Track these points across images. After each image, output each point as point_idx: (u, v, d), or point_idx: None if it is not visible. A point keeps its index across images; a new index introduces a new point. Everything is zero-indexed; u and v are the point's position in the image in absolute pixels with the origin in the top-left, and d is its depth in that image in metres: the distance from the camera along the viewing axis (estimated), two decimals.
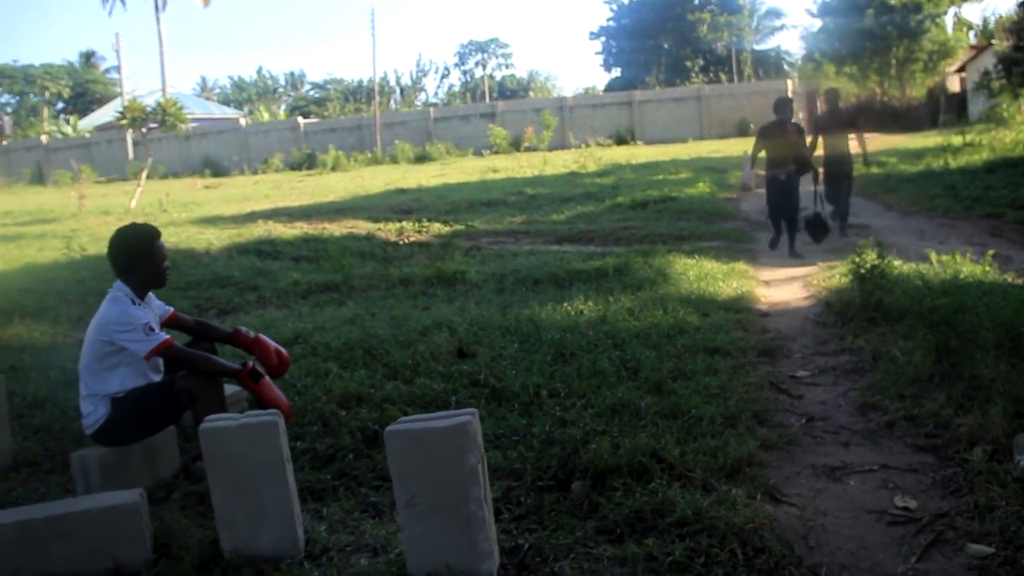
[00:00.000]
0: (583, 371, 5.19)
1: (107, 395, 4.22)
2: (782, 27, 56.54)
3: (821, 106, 14.50)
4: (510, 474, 3.90)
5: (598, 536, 3.29)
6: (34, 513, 3.47)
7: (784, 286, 8.17)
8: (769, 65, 55.88)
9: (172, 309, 4.63)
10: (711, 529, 3.17)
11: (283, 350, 4.73)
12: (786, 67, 55.54)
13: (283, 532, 3.35)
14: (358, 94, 71.30)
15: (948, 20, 44.72)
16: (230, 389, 4.75)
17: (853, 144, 11.96)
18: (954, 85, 43.06)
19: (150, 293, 4.45)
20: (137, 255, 4.30)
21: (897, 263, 7.61)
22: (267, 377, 4.32)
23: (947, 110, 39.60)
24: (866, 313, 6.28)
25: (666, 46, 54.58)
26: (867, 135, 13.23)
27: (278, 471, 3.32)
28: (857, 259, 6.91)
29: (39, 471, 4.70)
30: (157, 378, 4.38)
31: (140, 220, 17.75)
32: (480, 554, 2.99)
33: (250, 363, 4.36)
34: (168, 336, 4.23)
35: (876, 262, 6.77)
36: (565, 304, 7.15)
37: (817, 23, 47.45)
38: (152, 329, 4.17)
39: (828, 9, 45.61)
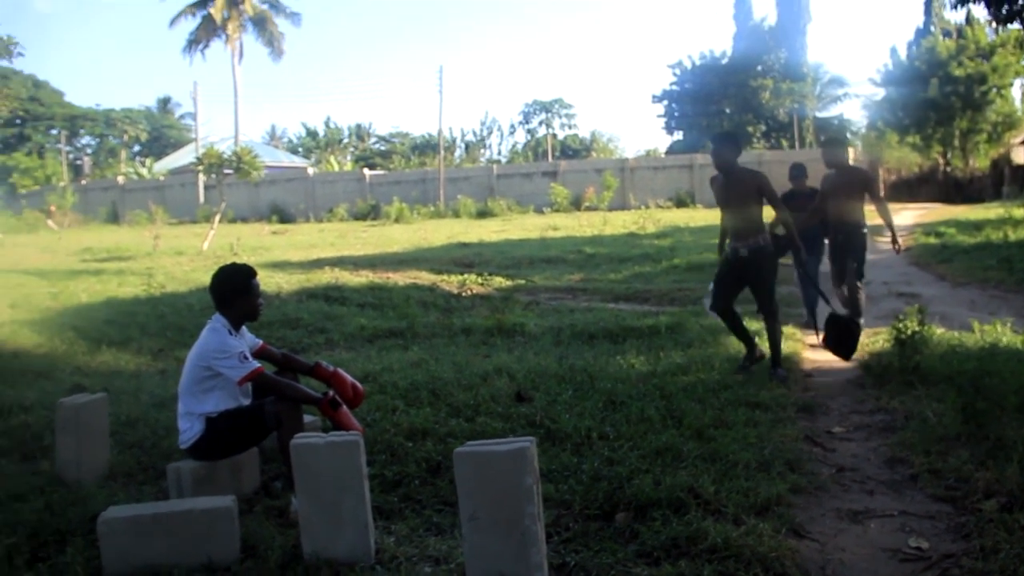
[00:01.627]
0: (631, 418, 5.61)
1: (202, 414, 4.75)
2: (845, 95, 56.71)
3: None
4: (560, 504, 4.32)
5: (637, 559, 3.70)
6: (143, 510, 3.98)
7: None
8: (831, 133, 56.04)
9: (261, 342, 5.17)
10: (738, 556, 3.56)
11: (359, 384, 5.22)
12: (848, 135, 55.65)
13: (358, 540, 3.80)
14: (423, 148, 72.84)
15: (1015, 91, 44.66)
16: (307, 418, 5.25)
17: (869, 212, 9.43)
18: (1019, 157, 42.76)
19: (243, 327, 4.99)
20: (235, 290, 4.86)
21: (940, 330, 7.93)
22: (344, 406, 4.81)
23: (1011, 181, 39.38)
24: (903, 376, 6.62)
25: (728, 111, 55.08)
26: (925, 206, 12.66)
27: (357, 485, 3.79)
28: (899, 325, 7.24)
29: (133, 481, 5.21)
30: (246, 402, 4.89)
31: (211, 262, 18.62)
32: (532, 566, 3.41)
33: (330, 393, 4.86)
34: (259, 365, 4.76)
35: (917, 328, 7.09)
36: (618, 357, 7.59)
37: (880, 92, 47.67)
38: (246, 358, 4.70)
39: (891, 78, 45.81)
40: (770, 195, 7.08)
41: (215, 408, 4.76)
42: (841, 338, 7.44)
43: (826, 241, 9.47)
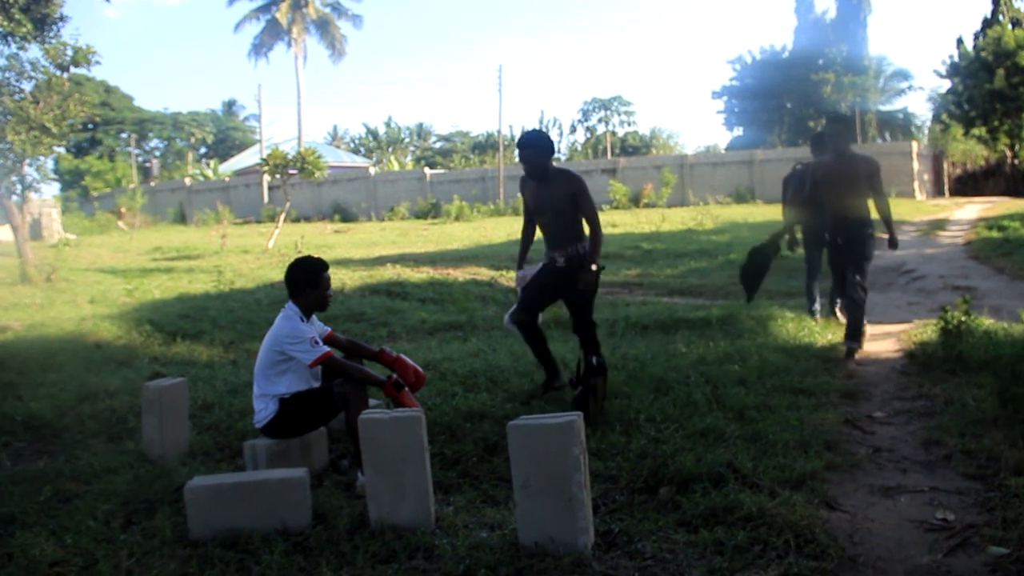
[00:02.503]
0: (678, 401, 5.89)
1: (276, 395, 5.14)
2: (909, 88, 55.85)
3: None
4: (608, 479, 4.63)
5: (677, 527, 3.98)
6: (225, 480, 4.39)
7: (878, 340, 8.63)
8: (895, 126, 55.30)
9: (329, 329, 5.55)
10: (771, 524, 3.83)
11: (420, 369, 5.57)
12: (913, 129, 54.85)
13: (419, 507, 4.15)
14: (483, 147, 73.36)
15: None
16: (371, 401, 5.62)
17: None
18: None
19: (314, 316, 5.37)
20: (307, 281, 5.24)
21: (988, 321, 8.06)
22: (407, 388, 5.17)
23: None
24: (946, 364, 6.80)
25: (789, 106, 54.60)
26: (991, 199, 11.81)
27: (419, 457, 4.14)
28: (946, 316, 7.39)
29: (211, 459, 5.63)
30: (316, 384, 5.27)
31: (276, 260, 19.16)
32: (579, 530, 3.72)
33: (394, 376, 5.23)
34: (329, 349, 5.14)
35: (962, 318, 7.25)
36: (669, 347, 7.86)
37: (945, 84, 46.90)
38: (317, 343, 5.08)
39: (957, 70, 45.00)
40: (585, 206, 6.23)
41: (288, 390, 5.14)
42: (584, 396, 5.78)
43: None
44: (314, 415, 5.15)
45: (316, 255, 5.54)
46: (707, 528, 3.88)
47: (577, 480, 3.70)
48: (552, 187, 6.26)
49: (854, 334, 7.72)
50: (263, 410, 5.16)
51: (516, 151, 6.49)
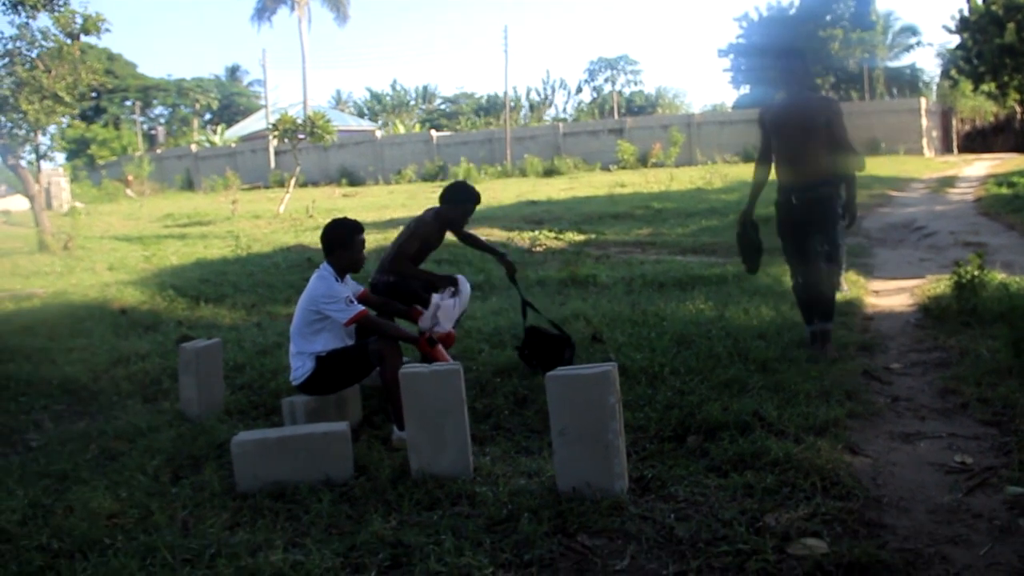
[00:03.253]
0: (700, 354, 6.04)
1: (312, 353, 5.30)
2: (917, 44, 55.41)
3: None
4: (637, 429, 4.79)
5: (708, 472, 4.16)
6: (270, 434, 4.57)
7: (893, 295, 8.78)
8: (903, 83, 54.98)
9: (363, 288, 5.70)
10: (798, 468, 4.00)
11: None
12: (921, 85, 54.52)
13: (458, 458, 4.32)
14: (488, 108, 73.10)
15: None
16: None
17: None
18: None
19: (348, 275, 5.51)
20: (340, 241, 5.38)
21: (1001, 276, 8.20)
22: (440, 344, 5.33)
23: None
24: (961, 317, 6.96)
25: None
26: (1000, 156, 11.04)
27: (458, 408, 4.31)
28: (959, 270, 7.52)
29: (247, 417, 5.82)
30: (350, 342, 5.43)
31: (288, 224, 19.28)
32: (614, 475, 3.89)
33: (427, 332, 5.38)
34: (364, 308, 5.29)
35: (976, 273, 7.38)
36: (687, 303, 8.01)
37: (954, 39, 46.48)
38: (351, 301, 5.23)
39: (966, 25, 44.55)
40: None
41: (324, 348, 5.30)
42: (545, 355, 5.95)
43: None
44: (350, 372, 5.32)
45: (326, 220, 5.67)
46: (737, 472, 4.06)
47: (613, 428, 3.86)
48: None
49: (826, 313, 6.28)
50: (300, 367, 5.32)
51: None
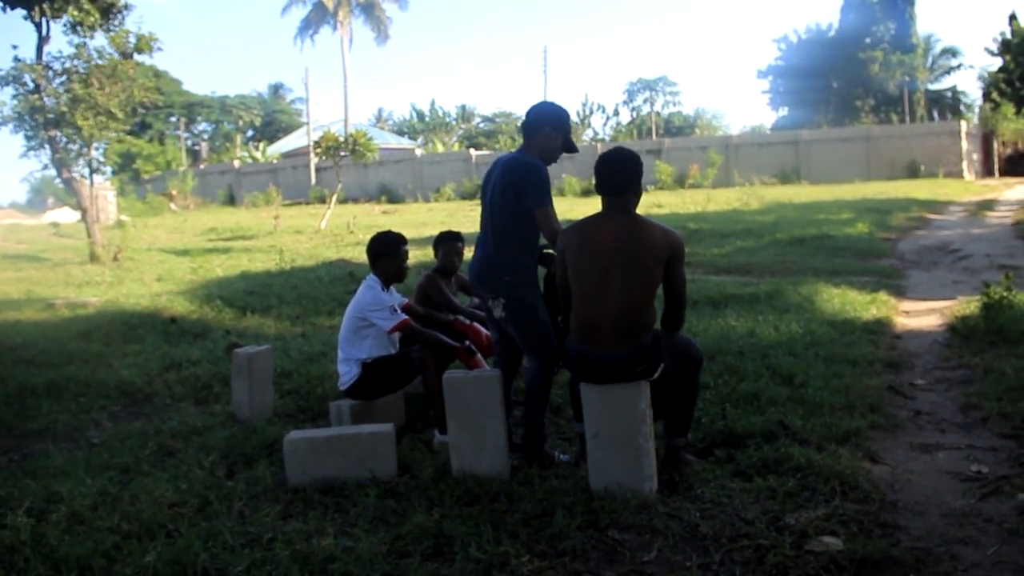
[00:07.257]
0: (729, 368, 6.27)
1: (359, 359, 5.59)
2: (959, 66, 55.26)
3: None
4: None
5: (733, 476, 4.39)
6: (319, 434, 4.85)
7: (922, 316, 8.93)
8: (944, 105, 54.77)
9: (406, 299, 5.99)
10: (818, 473, 4.22)
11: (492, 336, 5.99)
12: (963, 108, 54.25)
13: (497, 459, 4.58)
14: None
15: None
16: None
17: None
18: None
19: (392, 286, 5.80)
20: (386, 252, 5.67)
21: None
22: (479, 354, 5.60)
23: None
24: (987, 337, 7.12)
25: (835, 85, 54.24)
26: (1016, 181, 11.73)
27: (497, 412, 4.57)
28: (988, 290, 7.68)
29: (295, 420, 6.12)
30: (395, 350, 5.72)
31: (329, 240, 19.67)
32: (645, 476, 4.14)
33: (467, 342, 5.66)
34: (407, 317, 5.58)
35: (1004, 293, 7.54)
36: (719, 320, 8.23)
37: (996, 62, 46.31)
38: (395, 310, 5.52)
39: (1009, 47, 44.40)
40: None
41: (369, 354, 5.59)
42: None
43: None
44: (394, 378, 5.60)
45: (366, 236, 5.96)
46: (760, 477, 4.28)
47: (644, 432, 4.11)
48: None
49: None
50: (347, 373, 5.62)
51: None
